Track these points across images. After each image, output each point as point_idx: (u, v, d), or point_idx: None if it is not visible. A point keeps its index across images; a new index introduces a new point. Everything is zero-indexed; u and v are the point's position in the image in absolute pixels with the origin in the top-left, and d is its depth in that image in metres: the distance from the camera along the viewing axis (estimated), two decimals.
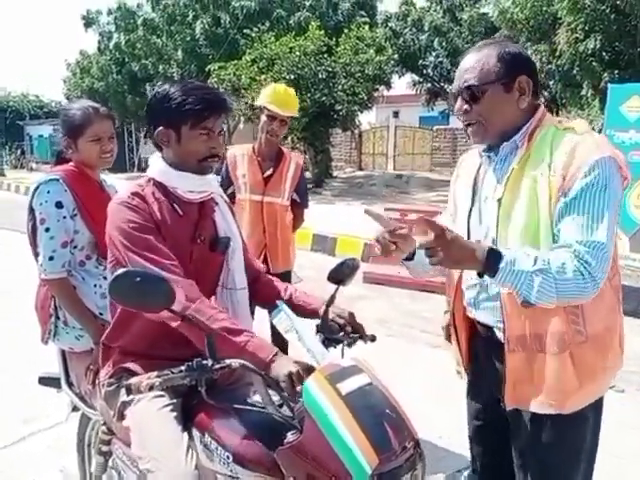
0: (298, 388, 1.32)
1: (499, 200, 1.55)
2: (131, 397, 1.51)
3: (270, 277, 1.96)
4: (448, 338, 2.55)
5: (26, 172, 23.45)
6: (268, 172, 3.05)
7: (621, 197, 1.47)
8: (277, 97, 2.98)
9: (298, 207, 3.21)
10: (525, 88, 1.51)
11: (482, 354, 1.72)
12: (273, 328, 2.92)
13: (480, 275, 1.45)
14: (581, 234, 1.39)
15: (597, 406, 1.60)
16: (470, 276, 1.65)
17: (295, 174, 3.12)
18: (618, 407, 3.44)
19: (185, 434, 1.53)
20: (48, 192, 2.08)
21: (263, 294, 1.89)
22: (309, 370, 1.34)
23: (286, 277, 3.03)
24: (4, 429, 3.18)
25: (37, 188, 2.12)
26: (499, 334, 1.60)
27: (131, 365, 1.63)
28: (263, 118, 3.00)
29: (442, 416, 2.74)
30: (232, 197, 3.07)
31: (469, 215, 1.66)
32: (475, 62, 1.53)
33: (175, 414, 1.57)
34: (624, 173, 1.46)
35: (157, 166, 1.72)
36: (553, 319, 1.49)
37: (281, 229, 3.09)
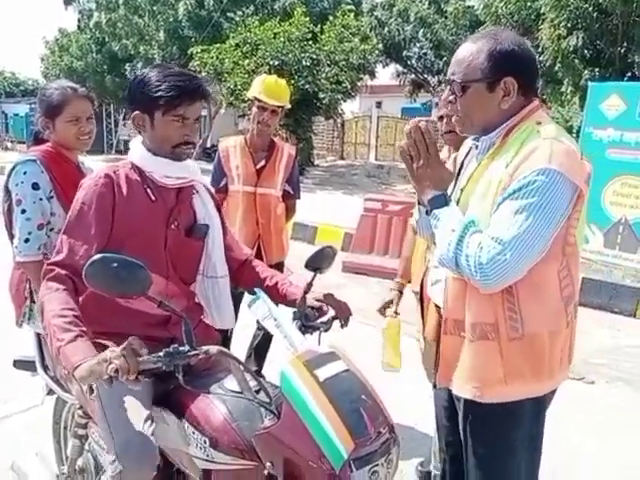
0: (131, 373, 1.26)
1: (462, 189, 1.59)
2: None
3: (258, 263, 1.96)
4: (382, 311, 2.61)
5: (1, 151, 22.92)
6: (261, 163, 3.05)
7: (564, 211, 1.42)
8: (267, 88, 2.97)
9: (290, 198, 3.22)
10: (510, 90, 1.49)
11: (437, 333, 1.74)
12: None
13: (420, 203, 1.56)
14: (493, 230, 1.40)
15: (536, 407, 1.59)
16: (433, 258, 1.69)
17: (287, 165, 3.12)
18: (587, 399, 3.54)
19: (149, 425, 1.53)
20: (25, 173, 2.05)
21: (249, 280, 1.90)
22: (138, 354, 1.28)
23: (279, 268, 3.05)
24: None
25: (13, 168, 2.08)
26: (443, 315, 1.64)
27: (106, 342, 1.62)
28: (254, 109, 2.99)
29: (418, 403, 2.79)
30: (226, 189, 3.07)
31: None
32: (465, 55, 1.51)
33: (145, 396, 1.57)
34: (579, 188, 1.42)
35: (136, 150, 1.73)
36: (491, 309, 1.50)
37: (274, 220, 3.10)
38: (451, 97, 1.56)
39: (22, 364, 2.17)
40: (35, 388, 2.23)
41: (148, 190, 1.68)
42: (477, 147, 1.62)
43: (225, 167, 3.06)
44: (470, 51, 1.51)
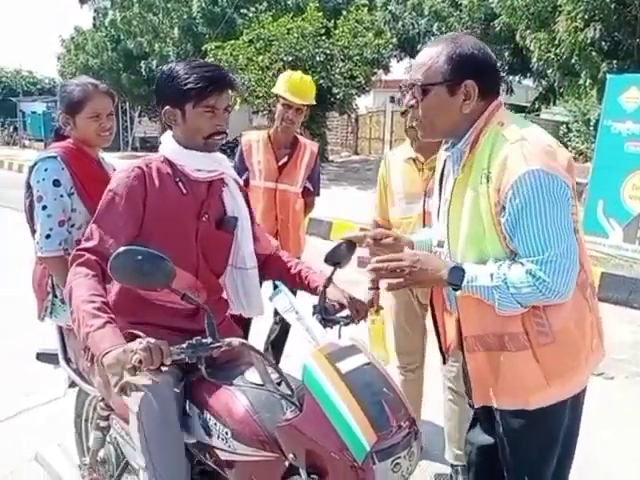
0: (154, 364, 1.27)
1: (448, 205, 1.58)
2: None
3: (284, 253, 1.98)
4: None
5: (19, 149, 23.21)
6: (283, 160, 3.05)
7: (568, 199, 1.42)
8: (293, 86, 2.95)
9: (309, 195, 3.21)
10: (471, 93, 1.47)
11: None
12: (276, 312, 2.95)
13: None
14: (528, 253, 1.40)
15: (574, 403, 1.59)
16: None
17: (309, 162, 3.11)
18: (607, 394, 3.50)
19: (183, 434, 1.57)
20: (45, 170, 2.07)
21: (275, 271, 1.92)
22: (161, 348, 1.28)
23: None
24: (5, 402, 3.21)
25: (34, 165, 2.11)
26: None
27: (137, 332, 1.64)
28: (279, 107, 2.98)
29: (438, 398, 2.79)
30: (246, 183, 3.06)
31: (438, 213, 1.69)
32: (426, 58, 1.50)
33: (175, 395, 1.59)
34: (565, 178, 1.40)
35: (167, 144, 1.76)
36: (512, 320, 1.49)
37: (293, 216, 3.10)
38: (412, 101, 1.54)
39: (45, 357, 2.21)
40: (57, 381, 2.26)
41: (179, 183, 1.71)
42: (450, 156, 1.60)
43: (247, 161, 3.05)
44: (430, 55, 1.50)
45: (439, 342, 1.83)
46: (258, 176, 3.03)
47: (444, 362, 1.88)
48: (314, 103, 3.08)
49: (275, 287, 1.64)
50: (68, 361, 2.11)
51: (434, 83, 1.48)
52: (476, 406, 1.65)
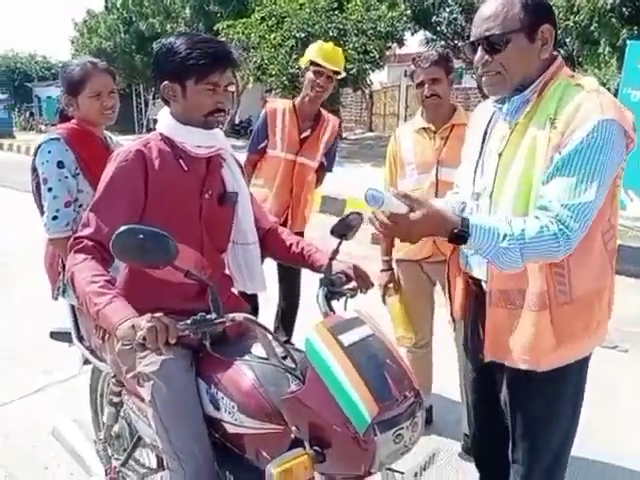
0: (158, 343, 1.27)
1: (500, 154, 1.55)
2: (145, 353, 1.55)
3: (283, 230, 1.98)
4: (384, 298, 2.63)
5: (35, 134, 23.41)
6: (305, 133, 3.04)
7: (622, 161, 1.43)
8: (325, 52, 2.96)
9: (322, 170, 3.21)
10: (548, 38, 1.47)
11: (473, 307, 1.74)
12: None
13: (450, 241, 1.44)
14: (568, 195, 1.37)
15: (581, 366, 1.60)
16: None
17: (330, 138, 3.11)
18: (621, 367, 3.49)
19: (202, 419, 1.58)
20: (49, 152, 2.09)
21: (274, 247, 1.92)
22: (167, 327, 1.29)
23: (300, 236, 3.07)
24: (24, 379, 3.31)
25: (39, 147, 2.13)
26: (486, 287, 1.61)
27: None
28: (309, 75, 2.96)
29: (445, 371, 2.79)
30: (263, 152, 3.04)
31: (476, 167, 1.65)
32: (498, 9, 1.46)
33: (189, 371, 1.61)
34: (630, 136, 1.42)
35: (165, 121, 1.72)
36: (537, 277, 1.49)
37: (306, 190, 3.11)
38: (486, 56, 1.49)
39: (58, 335, 2.24)
40: (73, 359, 2.30)
41: (180, 161, 1.69)
42: (501, 109, 1.57)
43: (270, 129, 3.02)
44: (502, 4, 1.47)
45: (451, 307, 1.84)
46: (279, 147, 3.01)
47: (454, 327, 1.89)
48: (344, 74, 3.05)
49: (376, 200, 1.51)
50: (81, 339, 2.14)
51: (514, 30, 1.45)
52: (486, 360, 1.66)
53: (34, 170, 2.15)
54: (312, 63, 2.95)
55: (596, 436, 2.67)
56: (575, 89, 1.44)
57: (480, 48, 1.50)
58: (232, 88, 1.73)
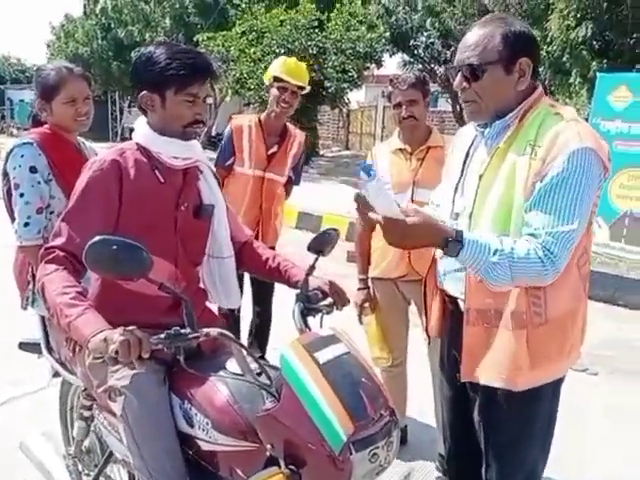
0: (130, 357, 1.26)
1: (480, 176, 1.59)
2: (117, 367, 1.51)
3: (259, 244, 1.97)
4: (360, 317, 2.66)
5: (6, 137, 22.91)
6: (273, 149, 3.03)
7: (599, 189, 1.48)
8: (289, 67, 2.97)
9: (289, 184, 3.21)
10: (525, 70, 1.51)
11: (450, 325, 1.77)
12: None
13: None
14: (551, 224, 1.42)
15: (554, 387, 1.64)
16: None
17: (297, 153, 3.12)
18: (591, 389, 3.56)
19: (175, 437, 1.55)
20: (22, 156, 2.04)
21: (250, 261, 1.91)
22: (140, 341, 1.27)
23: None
24: None
25: (11, 151, 2.07)
26: (463, 306, 1.64)
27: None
28: (274, 91, 2.96)
29: (421, 392, 2.81)
30: (229, 169, 3.03)
31: (456, 187, 1.69)
32: (479, 39, 1.51)
33: (162, 386, 1.59)
34: (606, 166, 1.47)
35: (142, 131, 1.70)
36: (514, 297, 1.53)
37: (275, 205, 3.10)
38: (464, 83, 1.55)
39: (27, 346, 2.19)
40: (41, 370, 2.25)
41: (156, 172, 1.67)
42: (483, 134, 1.62)
43: (236, 146, 3.01)
44: (483, 35, 1.51)
45: (427, 323, 1.87)
46: (248, 163, 3.00)
47: (429, 343, 1.92)
48: (308, 88, 3.06)
49: (369, 174, 1.53)
50: (51, 351, 2.09)
51: (491, 62, 1.50)
52: (462, 380, 1.68)
53: (5, 175, 2.09)
54: (276, 79, 2.95)
55: (566, 459, 2.71)
56: (555, 118, 1.49)
57: (459, 74, 1.56)
58: (210, 100, 1.73)
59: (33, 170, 2.03)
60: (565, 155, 1.41)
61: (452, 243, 1.42)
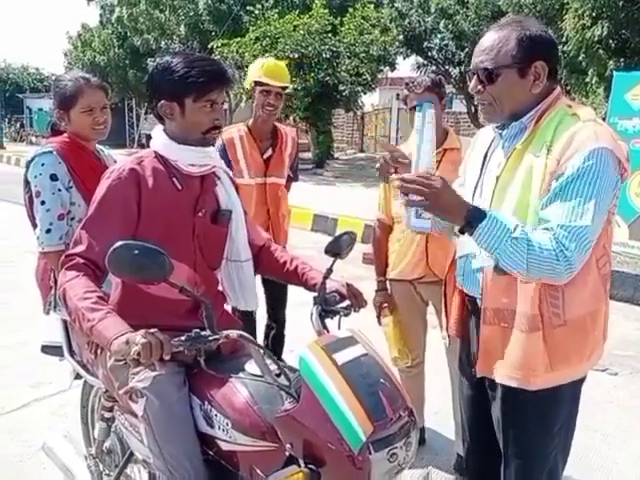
0: (152, 359, 1.29)
1: (497, 177, 1.59)
2: (138, 369, 1.55)
3: (276, 247, 1.98)
4: (379, 318, 2.65)
5: (25, 145, 23.33)
6: (268, 153, 2.99)
7: (617, 189, 1.47)
8: (268, 70, 2.89)
9: (288, 180, 3.17)
10: (540, 74, 1.51)
11: (468, 324, 1.77)
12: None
13: (461, 231, 1.49)
14: (565, 219, 1.41)
15: (574, 388, 1.63)
16: (462, 247, 1.70)
17: (292, 151, 3.08)
18: (611, 389, 3.52)
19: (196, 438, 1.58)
20: (42, 164, 2.08)
21: (268, 264, 1.93)
22: (161, 343, 1.30)
23: None
24: (12, 393, 3.26)
25: (32, 160, 2.12)
26: (480, 305, 1.64)
27: None
28: (257, 96, 2.91)
29: (438, 393, 2.80)
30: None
31: (475, 188, 1.70)
32: (494, 42, 1.52)
33: (182, 387, 1.61)
34: (624, 167, 1.46)
35: (159, 139, 1.73)
36: (530, 298, 1.52)
37: (281, 207, 3.09)
38: (479, 86, 1.56)
39: (50, 349, 2.23)
40: (63, 373, 2.29)
41: (174, 179, 1.69)
42: (501, 135, 1.63)
43: (232, 159, 2.95)
44: (498, 38, 1.52)
45: (447, 322, 1.87)
46: (247, 174, 2.95)
47: (449, 343, 1.92)
48: (291, 87, 2.99)
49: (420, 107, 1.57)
50: (73, 353, 2.13)
51: (505, 65, 1.50)
52: (478, 375, 1.68)
53: (26, 183, 2.14)
54: (257, 83, 2.89)
55: (586, 459, 2.69)
56: (572, 119, 1.49)
57: (475, 77, 1.57)
58: (225, 106, 1.75)
59: (54, 178, 2.07)
60: (581, 154, 1.41)
61: (473, 211, 1.44)
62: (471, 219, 1.44)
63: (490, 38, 1.54)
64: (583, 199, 1.40)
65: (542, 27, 1.54)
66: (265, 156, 2.99)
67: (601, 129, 1.46)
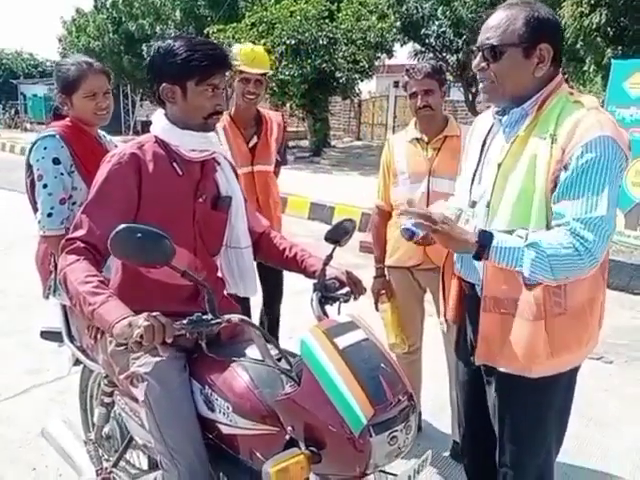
0: (155, 342, 1.30)
1: (499, 164, 1.59)
2: (139, 354, 1.57)
3: (276, 234, 1.98)
4: (376, 305, 2.68)
5: (20, 132, 23.15)
6: (253, 141, 2.92)
7: (620, 177, 1.47)
8: (246, 56, 2.80)
9: (277, 165, 3.11)
10: (545, 57, 1.51)
11: (466, 311, 1.79)
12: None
13: (477, 257, 1.50)
14: (579, 211, 1.41)
15: (570, 376, 1.65)
16: None
17: (278, 136, 3.01)
18: (606, 377, 3.56)
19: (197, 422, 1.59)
20: (45, 148, 2.08)
21: (267, 251, 1.93)
22: (164, 326, 1.31)
23: None
24: (11, 380, 3.28)
25: (34, 144, 2.12)
26: (480, 292, 1.65)
27: None
28: (236, 84, 2.83)
29: (435, 380, 2.82)
30: None
31: (474, 175, 1.69)
32: (501, 20, 1.51)
33: (183, 372, 1.62)
34: (626, 155, 1.46)
35: (160, 124, 1.72)
36: (532, 288, 1.52)
37: (272, 195, 3.04)
38: (483, 63, 1.55)
39: (49, 335, 2.23)
40: (62, 360, 2.30)
41: (175, 165, 1.69)
42: (501, 121, 1.62)
43: None
44: (506, 17, 1.51)
45: (444, 308, 1.89)
46: (233, 164, 2.94)
47: (447, 329, 1.94)
48: (271, 72, 2.90)
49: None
50: (72, 339, 2.14)
51: (510, 44, 1.50)
52: (477, 363, 1.70)
53: (28, 166, 2.14)
54: (236, 71, 2.79)
55: (580, 447, 2.72)
56: (574, 106, 1.49)
57: (480, 54, 1.56)
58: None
59: (56, 161, 2.07)
60: (586, 142, 1.41)
61: (480, 234, 1.48)
62: (483, 241, 1.46)
63: (498, 16, 1.53)
64: (595, 189, 1.41)
65: (550, 11, 1.54)
66: (250, 144, 2.92)
67: (604, 117, 1.47)
